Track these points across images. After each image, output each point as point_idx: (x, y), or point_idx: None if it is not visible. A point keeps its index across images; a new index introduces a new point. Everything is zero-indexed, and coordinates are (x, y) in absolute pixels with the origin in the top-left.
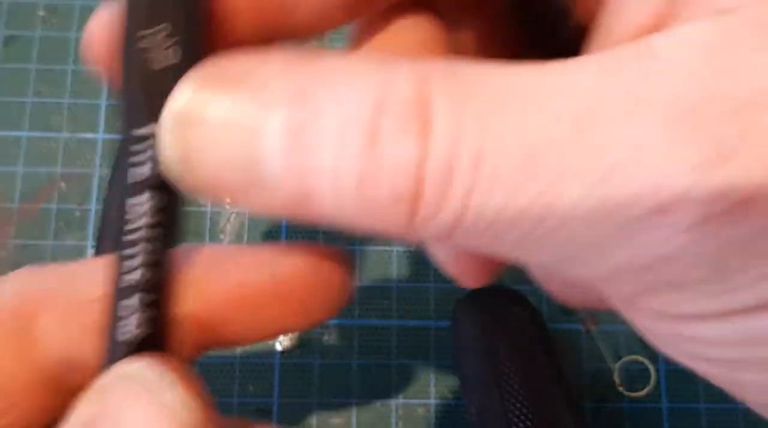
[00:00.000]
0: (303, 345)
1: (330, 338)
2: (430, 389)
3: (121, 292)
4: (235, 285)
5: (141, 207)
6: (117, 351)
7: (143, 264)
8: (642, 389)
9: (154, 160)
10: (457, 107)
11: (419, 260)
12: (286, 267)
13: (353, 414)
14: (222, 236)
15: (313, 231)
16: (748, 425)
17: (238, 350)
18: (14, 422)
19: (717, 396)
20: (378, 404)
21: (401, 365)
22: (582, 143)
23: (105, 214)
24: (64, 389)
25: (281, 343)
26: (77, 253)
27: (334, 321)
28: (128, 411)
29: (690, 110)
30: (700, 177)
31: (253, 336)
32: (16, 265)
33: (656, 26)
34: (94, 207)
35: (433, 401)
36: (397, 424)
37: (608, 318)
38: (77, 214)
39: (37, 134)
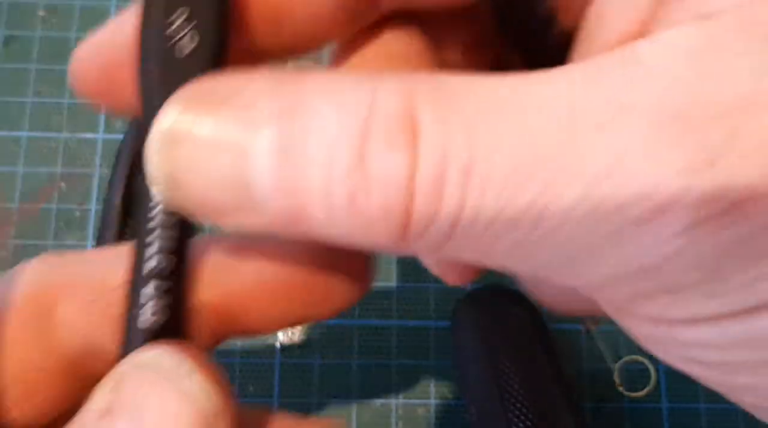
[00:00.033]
0: (303, 345)
1: (330, 338)
2: (430, 389)
3: (139, 279)
4: (256, 274)
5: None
6: (135, 338)
7: (161, 252)
8: (642, 389)
9: None
10: (444, 119)
11: (419, 260)
12: (306, 256)
13: (353, 414)
14: None
15: None
16: (748, 425)
17: (238, 350)
18: (34, 409)
19: (717, 396)
20: (378, 404)
21: (401, 365)
22: (569, 150)
23: (105, 214)
24: (84, 376)
25: (287, 335)
26: None
27: (334, 321)
28: (146, 398)
29: (676, 115)
30: (689, 181)
31: (271, 326)
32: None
33: (640, 33)
34: (94, 207)
35: (433, 401)
36: (397, 424)
37: (608, 318)
38: (77, 213)
39: (37, 134)
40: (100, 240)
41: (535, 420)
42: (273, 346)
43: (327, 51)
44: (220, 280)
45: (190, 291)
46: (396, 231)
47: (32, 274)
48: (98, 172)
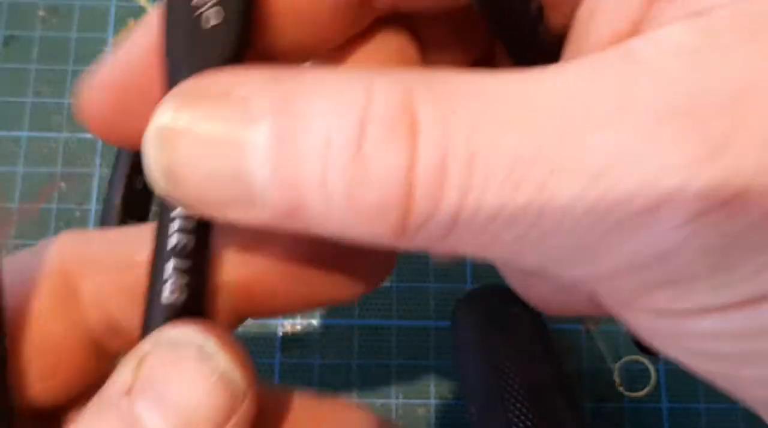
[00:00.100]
0: (303, 345)
1: (330, 338)
2: (430, 389)
3: (162, 257)
4: (280, 254)
5: None
6: (157, 315)
7: (184, 230)
8: (642, 389)
9: None
10: (444, 112)
11: (419, 260)
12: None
13: None
14: None
15: None
16: (748, 425)
17: None
18: (56, 386)
19: (717, 396)
20: (378, 404)
21: (401, 365)
22: (571, 145)
23: (105, 214)
24: (106, 354)
25: (287, 333)
26: None
27: (334, 321)
28: (170, 377)
29: (675, 110)
30: (692, 173)
31: (292, 306)
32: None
33: (632, 31)
34: (94, 207)
35: (433, 401)
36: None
37: (608, 318)
38: (77, 214)
39: (37, 134)
40: None
41: (535, 420)
42: (273, 346)
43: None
44: (244, 260)
45: (213, 270)
46: (395, 224)
47: (57, 250)
48: (98, 172)
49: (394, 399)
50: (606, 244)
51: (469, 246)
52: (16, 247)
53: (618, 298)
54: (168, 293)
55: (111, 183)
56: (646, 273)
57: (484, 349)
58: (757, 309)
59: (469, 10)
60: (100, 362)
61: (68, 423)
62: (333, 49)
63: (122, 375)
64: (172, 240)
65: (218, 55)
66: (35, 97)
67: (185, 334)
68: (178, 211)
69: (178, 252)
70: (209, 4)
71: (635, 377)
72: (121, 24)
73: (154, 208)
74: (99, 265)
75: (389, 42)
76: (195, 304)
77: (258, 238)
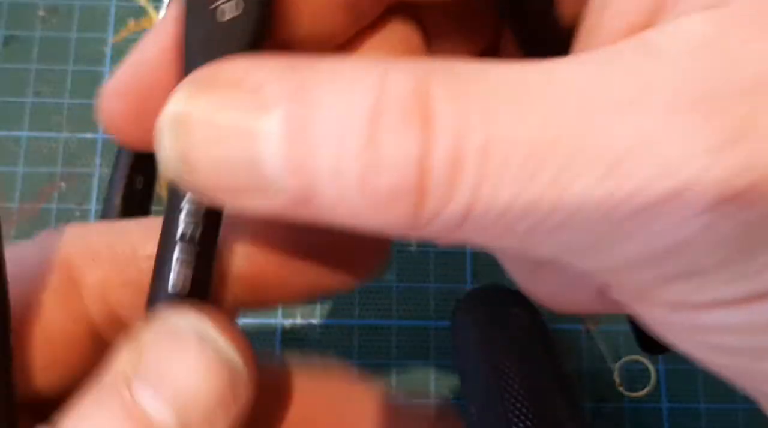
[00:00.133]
0: (303, 345)
1: (330, 338)
2: (430, 389)
3: (169, 244)
4: (281, 243)
5: None
6: (162, 302)
7: (192, 217)
8: (642, 389)
9: None
10: (459, 100)
11: (419, 260)
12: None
13: None
14: None
15: None
16: (748, 425)
17: None
18: (58, 376)
19: (717, 396)
20: None
21: (401, 365)
22: (589, 132)
23: (105, 214)
24: (108, 345)
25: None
26: None
27: (334, 321)
28: (171, 361)
29: (695, 99)
30: (712, 160)
31: (291, 296)
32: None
33: (647, 24)
34: (94, 207)
35: (433, 401)
36: None
37: (608, 318)
38: (77, 214)
39: (37, 134)
40: None
41: (535, 420)
42: (273, 346)
43: None
44: (247, 249)
45: (217, 258)
46: (408, 213)
47: (61, 242)
48: (98, 172)
49: None
50: (622, 234)
51: (482, 236)
52: None
53: (632, 291)
54: (174, 280)
55: (111, 183)
56: (662, 264)
57: (484, 349)
58: None
59: (474, 1)
60: (100, 353)
61: (66, 411)
62: (342, 41)
63: (121, 361)
64: (180, 228)
65: (235, 47)
66: (35, 97)
67: (184, 319)
68: (187, 199)
69: (187, 239)
70: None
71: (635, 377)
72: (121, 24)
73: (154, 208)
74: (102, 259)
75: (395, 33)
76: (200, 292)
77: (261, 228)
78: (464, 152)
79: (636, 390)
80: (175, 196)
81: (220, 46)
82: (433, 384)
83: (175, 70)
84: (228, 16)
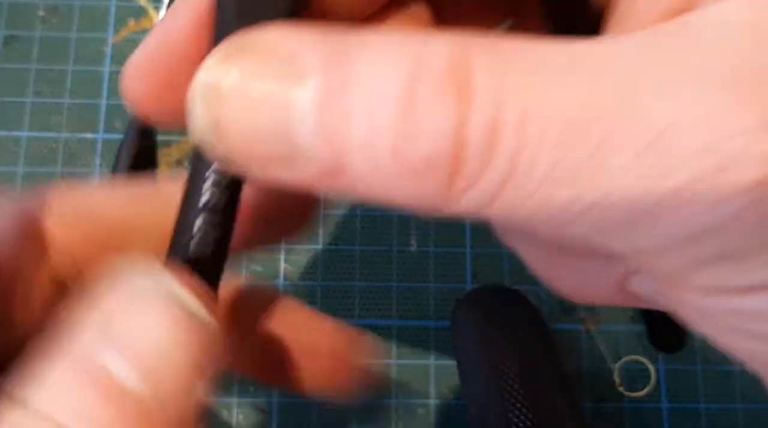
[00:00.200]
0: None
1: None
2: (430, 389)
3: (191, 211)
4: (248, 198)
5: None
6: (182, 267)
7: (217, 186)
8: (642, 389)
9: None
10: (498, 73)
11: (419, 260)
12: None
13: (353, 413)
14: None
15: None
16: (748, 425)
17: None
18: (18, 323)
19: (717, 396)
20: (378, 404)
21: (401, 365)
22: (630, 107)
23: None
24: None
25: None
26: None
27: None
28: (134, 314)
29: (737, 79)
30: (752, 140)
31: (244, 247)
32: None
33: (684, 7)
34: None
35: (433, 401)
36: (397, 424)
37: (608, 318)
38: None
39: (37, 134)
40: None
41: (535, 420)
42: None
43: None
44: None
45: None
46: (442, 184)
47: (39, 198)
48: (98, 171)
49: (394, 399)
50: (658, 213)
51: (515, 211)
52: None
53: (666, 273)
54: (194, 248)
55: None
56: (698, 246)
57: (484, 349)
58: None
59: None
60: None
61: (28, 378)
62: (363, 17)
63: (82, 322)
64: (205, 197)
65: (272, 15)
66: (35, 97)
67: (140, 271)
68: (213, 168)
69: (210, 208)
70: None
71: (635, 377)
72: (121, 24)
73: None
74: (72, 216)
75: (409, 12)
76: (217, 262)
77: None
78: (502, 122)
79: (636, 390)
80: (201, 164)
81: (254, 13)
82: (433, 384)
83: (202, 43)
84: None
